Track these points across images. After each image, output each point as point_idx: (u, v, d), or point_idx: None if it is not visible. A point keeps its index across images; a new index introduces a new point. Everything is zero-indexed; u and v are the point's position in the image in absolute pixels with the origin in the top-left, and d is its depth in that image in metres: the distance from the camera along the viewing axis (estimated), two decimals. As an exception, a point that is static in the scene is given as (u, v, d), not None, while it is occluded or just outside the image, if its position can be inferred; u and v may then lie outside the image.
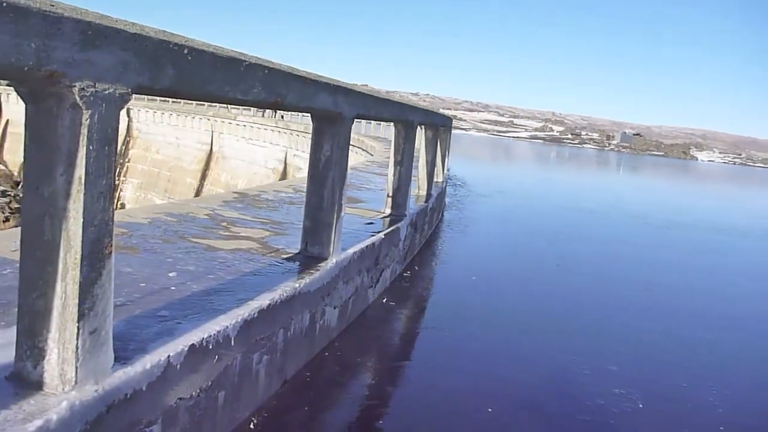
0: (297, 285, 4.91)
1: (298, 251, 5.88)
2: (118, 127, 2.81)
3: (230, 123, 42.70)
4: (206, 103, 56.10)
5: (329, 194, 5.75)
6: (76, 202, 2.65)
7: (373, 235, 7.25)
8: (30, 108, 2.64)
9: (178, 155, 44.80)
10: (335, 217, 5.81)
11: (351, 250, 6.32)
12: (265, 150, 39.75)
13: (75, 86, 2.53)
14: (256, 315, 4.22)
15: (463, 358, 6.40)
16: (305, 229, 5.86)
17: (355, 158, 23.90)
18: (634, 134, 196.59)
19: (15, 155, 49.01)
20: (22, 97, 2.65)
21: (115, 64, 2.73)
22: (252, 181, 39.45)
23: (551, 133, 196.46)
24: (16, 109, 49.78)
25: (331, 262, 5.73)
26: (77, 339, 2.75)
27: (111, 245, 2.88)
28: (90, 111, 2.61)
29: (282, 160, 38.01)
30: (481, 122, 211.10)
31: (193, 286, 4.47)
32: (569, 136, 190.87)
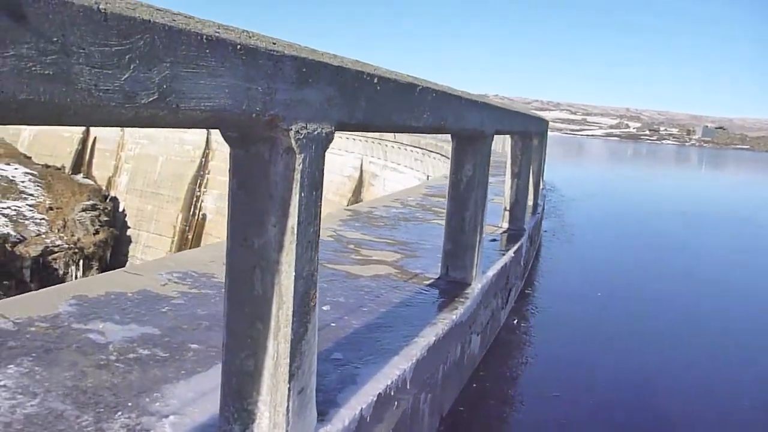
0: (453, 317, 4.62)
1: (438, 276, 5.60)
2: (323, 170, 2.59)
3: (306, 132, 43.11)
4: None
5: (471, 216, 5.44)
6: (289, 254, 2.43)
7: (503, 254, 6.90)
8: (238, 153, 2.44)
9: (256, 166, 45.67)
10: (477, 239, 5.50)
11: (490, 273, 5.99)
12: (341, 158, 39.84)
13: (291, 129, 2.31)
14: (425, 353, 3.95)
15: (616, 381, 5.97)
16: (446, 253, 5.58)
17: (444, 167, 23.52)
18: (716, 128, 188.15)
19: (102, 171, 51.09)
20: (229, 142, 2.46)
21: (322, 102, 2.50)
22: (328, 189, 39.67)
23: (627, 129, 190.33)
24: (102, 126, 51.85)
25: (476, 287, 5.42)
26: (288, 401, 2.53)
27: (316, 297, 2.66)
28: (303, 155, 2.39)
29: (358, 167, 37.98)
30: (553, 121, 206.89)
31: (352, 322, 4.25)
32: (647, 132, 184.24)
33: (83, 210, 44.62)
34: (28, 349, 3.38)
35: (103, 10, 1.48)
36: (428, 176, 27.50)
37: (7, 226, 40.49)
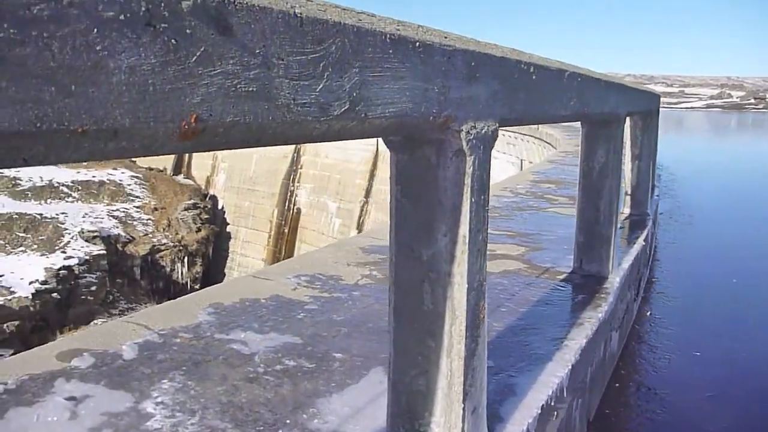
0: (599, 315, 4.32)
1: (571, 270, 5.29)
2: (490, 172, 2.38)
3: (394, 122, 43.11)
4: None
5: (606, 205, 5.09)
6: (460, 265, 2.24)
7: (633, 243, 6.49)
8: (401, 158, 2.26)
9: (346, 158, 46.01)
10: (613, 230, 5.14)
11: (625, 264, 5.62)
12: (431, 146, 39.67)
13: (462, 130, 2.11)
14: (579, 357, 3.69)
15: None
16: (579, 245, 5.25)
17: (540, 152, 22.85)
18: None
19: (201, 170, 53.04)
20: (391, 147, 2.29)
21: (488, 97, 2.29)
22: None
23: (730, 99, 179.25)
24: (199, 128, 53.77)
25: (615, 281, 5.08)
26: (463, 422, 2.35)
27: (485, 308, 2.46)
28: (472, 156, 2.18)
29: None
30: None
31: (493, 324, 4.02)
32: (752, 100, 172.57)
33: (185, 209, 46.56)
34: (178, 363, 3.37)
35: (299, 15, 1.32)
36: (522, 160, 26.74)
37: (117, 227, 42.76)
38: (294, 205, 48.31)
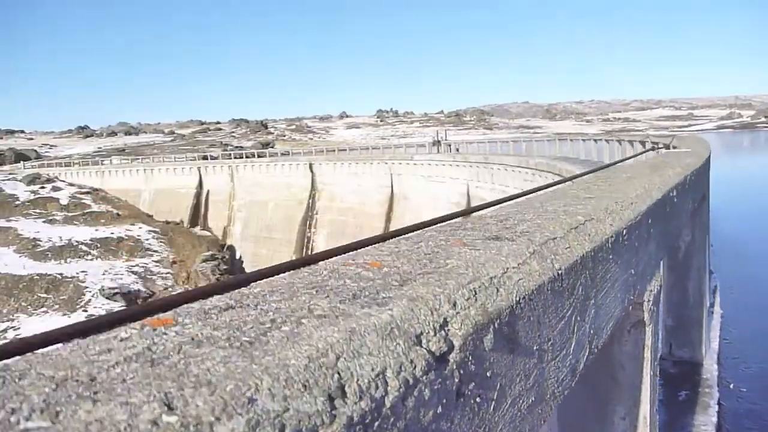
0: (711, 419, 3.95)
1: (660, 355, 4.92)
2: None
3: (408, 163, 43.09)
4: (382, 147, 57.60)
5: (695, 286, 4.75)
6: (642, 451, 1.91)
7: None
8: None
9: (361, 201, 45.97)
10: (705, 311, 4.79)
11: (714, 344, 5.26)
12: (445, 185, 39.43)
13: (644, 300, 1.80)
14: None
15: None
16: (667, 329, 4.90)
17: None
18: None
19: (217, 221, 53.11)
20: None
21: (655, 249, 1.98)
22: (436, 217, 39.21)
23: (740, 119, 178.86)
24: (213, 179, 54.15)
25: (712, 368, 4.71)
26: None
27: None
28: (651, 325, 1.87)
29: (464, 193, 37.34)
30: (656, 120, 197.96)
31: None
32: (762, 119, 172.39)
33: (204, 261, 46.44)
34: None
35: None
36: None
37: (137, 282, 42.66)
38: (312, 250, 48.10)
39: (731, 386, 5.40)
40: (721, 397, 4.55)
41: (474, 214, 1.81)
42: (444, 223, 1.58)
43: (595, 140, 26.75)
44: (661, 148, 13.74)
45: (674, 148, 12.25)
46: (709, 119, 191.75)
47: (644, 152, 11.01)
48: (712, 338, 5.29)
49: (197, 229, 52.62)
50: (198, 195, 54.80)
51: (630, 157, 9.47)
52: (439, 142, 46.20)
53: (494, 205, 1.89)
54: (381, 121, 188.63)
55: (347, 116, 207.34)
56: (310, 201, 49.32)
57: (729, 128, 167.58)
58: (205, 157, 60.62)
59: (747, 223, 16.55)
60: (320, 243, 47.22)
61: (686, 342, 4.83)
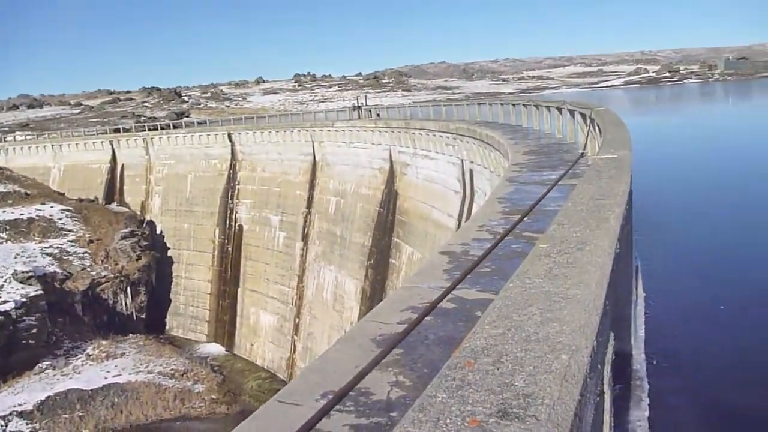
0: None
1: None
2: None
3: (329, 130, 42.76)
4: (302, 114, 56.78)
5: (625, 286, 5.04)
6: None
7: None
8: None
9: (283, 170, 45.41)
10: (632, 304, 5.11)
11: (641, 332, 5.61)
12: (368, 151, 39.43)
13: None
14: None
15: None
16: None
17: (481, 153, 22.37)
18: (738, 59, 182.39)
19: (134, 196, 51.46)
20: None
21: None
22: (360, 183, 39.28)
23: (647, 75, 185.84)
24: (128, 153, 52.22)
25: (639, 358, 5.03)
26: None
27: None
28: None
29: (387, 158, 37.47)
30: (569, 77, 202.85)
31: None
32: (666, 74, 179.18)
33: (123, 238, 45.04)
34: None
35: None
36: (462, 161, 26.44)
37: (52, 264, 41.02)
38: (235, 222, 47.35)
39: (659, 375, 5.79)
40: (651, 389, 4.73)
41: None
42: None
43: (513, 104, 27.11)
44: (585, 153, 13.98)
45: (598, 127, 12.54)
46: (617, 75, 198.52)
47: (571, 167, 11.20)
48: (638, 326, 5.61)
49: (114, 206, 50.85)
50: (112, 170, 52.78)
51: (556, 183, 9.46)
52: (359, 107, 45.92)
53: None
54: (299, 85, 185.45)
55: (264, 81, 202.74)
56: (231, 172, 48.34)
57: (636, 83, 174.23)
58: (117, 130, 58.33)
59: (662, 182, 17.40)
60: (243, 213, 46.54)
61: (617, 335, 5.10)
